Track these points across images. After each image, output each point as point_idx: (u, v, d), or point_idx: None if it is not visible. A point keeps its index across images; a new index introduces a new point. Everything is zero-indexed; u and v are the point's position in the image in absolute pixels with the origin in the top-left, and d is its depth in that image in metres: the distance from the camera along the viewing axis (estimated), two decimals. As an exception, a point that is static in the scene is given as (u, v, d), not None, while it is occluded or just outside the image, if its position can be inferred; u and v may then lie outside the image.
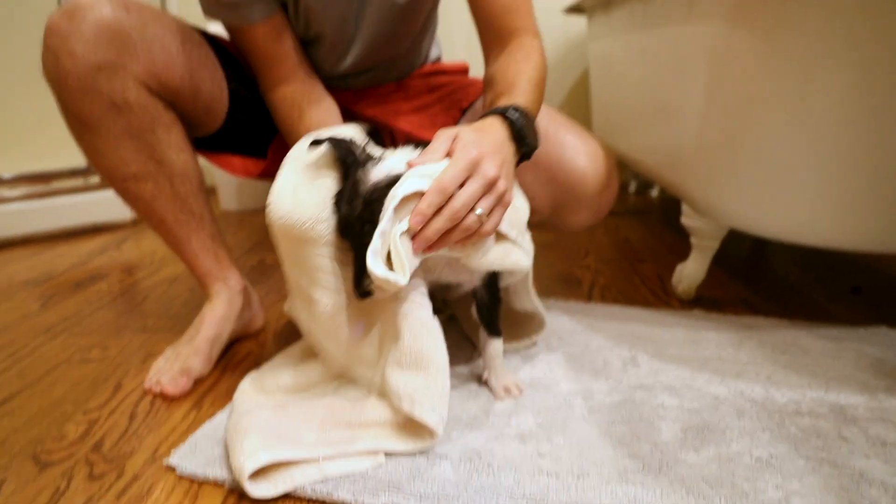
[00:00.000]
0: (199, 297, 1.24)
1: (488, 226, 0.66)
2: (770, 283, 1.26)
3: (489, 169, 0.65)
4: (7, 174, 1.79)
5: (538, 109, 0.85)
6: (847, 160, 0.81)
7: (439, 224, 0.63)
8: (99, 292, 1.31)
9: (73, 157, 1.86)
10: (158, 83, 0.87)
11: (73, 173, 1.87)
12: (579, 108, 2.15)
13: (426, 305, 0.73)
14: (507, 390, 0.81)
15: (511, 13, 0.89)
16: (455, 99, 1.10)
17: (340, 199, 0.69)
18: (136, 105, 0.85)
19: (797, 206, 0.88)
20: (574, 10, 1.84)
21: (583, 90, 2.17)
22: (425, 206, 0.63)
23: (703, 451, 0.68)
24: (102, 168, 0.89)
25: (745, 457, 0.67)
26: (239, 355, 0.98)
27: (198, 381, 0.90)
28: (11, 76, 1.85)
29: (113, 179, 0.90)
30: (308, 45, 0.97)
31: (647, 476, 0.64)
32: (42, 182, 1.82)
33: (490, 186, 0.65)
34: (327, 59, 0.99)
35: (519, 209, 0.79)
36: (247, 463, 0.62)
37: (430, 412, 0.67)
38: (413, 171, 0.65)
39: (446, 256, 0.70)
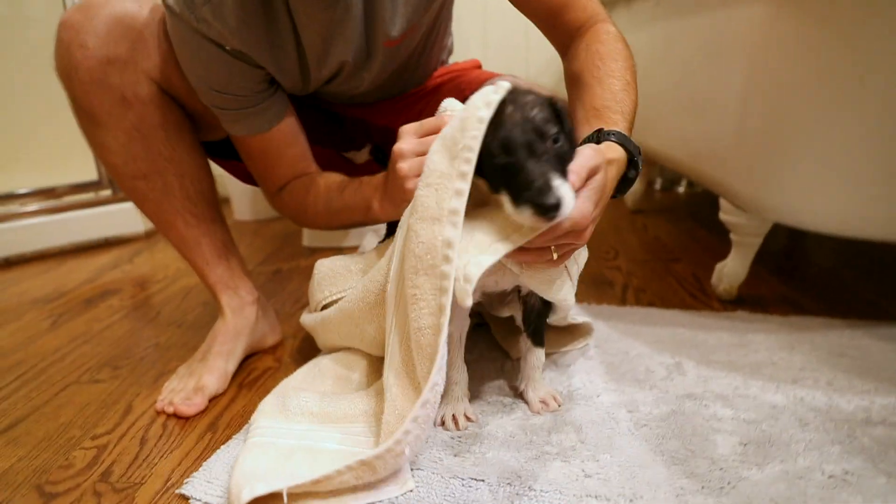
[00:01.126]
0: (213, 310, 1.19)
1: (557, 259, 0.64)
2: (815, 279, 1.19)
3: (587, 234, 0.62)
4: (22, 189, 1.76)
5: (635, 109, 0.78)
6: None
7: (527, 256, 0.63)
8: (110, 308, 1.27)
9: (83, 171, 1.85)
10: (169, 82, 0.84)
11: (84, 187, 1.84)
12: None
13: None
14: (545, 403, 0.75)
15: (571, 7, 0.82)
16: (460, 88, 1.04)
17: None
18: (146, 101, 0.82)
19: (853, 197, 0.81)
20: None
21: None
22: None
23: (767, 468, 0.61)
24: (111, 165, 0.86)
25: (815, 473, 0.60)
26: (256, 372, 0.93)
27: (213, 400, 0.84)
28: (24, 92, 1.82)
29: (122, 177, 0.87)
30: (323, 84, 0.93)
31: (708, 498, 0.58)
32: (53, 196, 1.79)
33: (578, 243, 0.63)
34: (343, 89, 0.94)
35: (584, 253, 0.76)
36: (243, 493, 0.57)
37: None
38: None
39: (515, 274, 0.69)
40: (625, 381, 0.81)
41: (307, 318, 0.92)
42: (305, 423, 0.70)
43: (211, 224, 0.91)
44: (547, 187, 0.55)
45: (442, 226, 0.59)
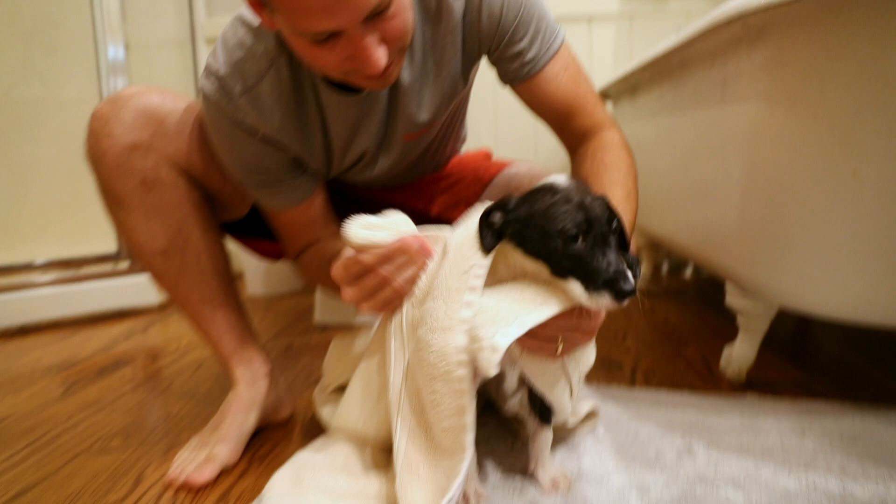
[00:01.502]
0: (224, 383, 1.20)
1: (560, 352, 0.67)
2: (824, 364, 1.19)
3: (593, 334, 0.69)
4: (40, 259, 1.81)
5: (635, 217, 0.84)
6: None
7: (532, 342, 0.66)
8: (122, 378, 1.28)
9: (103, 243, 1.91)
10: (189, 164, 0.89)
11: (103, 259, 1.89)
12: (606, 190, 2.15)
13: None
14: (556, 484, 0.75)
15: (579, 114, 0.90)
16: (478, 176, 1.10)
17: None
18: (166, 183, 0.87)
19: (855, 284, 0.83)
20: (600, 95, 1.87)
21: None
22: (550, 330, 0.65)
23: (782, 555, 0.61)
24: (133, 243, 0.90)
25: (832, 561, 0.59)
26: (267, 446, 0.93)
27: (224, 472, 0.84)
28: (45, 165, 1.92)
29: (142, 254, 0.90)
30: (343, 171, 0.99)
31: (723, 584, 0.57)
32: (72, 267, 1.84)
33: (584, 339, 0.69)
34: (360, 177, 1.01)
35: (589, 358, 0.78)
36: None
37: None
38: None
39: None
40: (635, 462, 0.80)
41: (317, 398, 0.93)
42: (318, 498, 0.70)
43: (225, 299, 0.94)
44: (624, 275, 0.59)
45: (454, 334, 0.63)
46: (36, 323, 1.73)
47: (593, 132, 0.90)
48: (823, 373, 1.14)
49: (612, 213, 0.63)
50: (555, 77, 0.89)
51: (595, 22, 2.18)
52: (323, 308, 1.70)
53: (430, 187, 1.10)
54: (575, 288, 0.61)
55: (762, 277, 0.96)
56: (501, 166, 1.11)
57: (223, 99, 0.82)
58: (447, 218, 1.06)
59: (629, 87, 1.57)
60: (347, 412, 0.82)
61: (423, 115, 0.90)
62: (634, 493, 0.73)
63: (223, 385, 1.19)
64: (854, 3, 0.74)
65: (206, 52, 2.33)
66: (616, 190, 0.80)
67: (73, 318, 1.78)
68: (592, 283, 0.60)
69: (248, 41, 0.82)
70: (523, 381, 0.79)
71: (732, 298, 1.07)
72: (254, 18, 0.82)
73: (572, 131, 0.91)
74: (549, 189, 0.65)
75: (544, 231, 0.62)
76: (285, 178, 0.90)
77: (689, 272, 2.11)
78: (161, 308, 1.93)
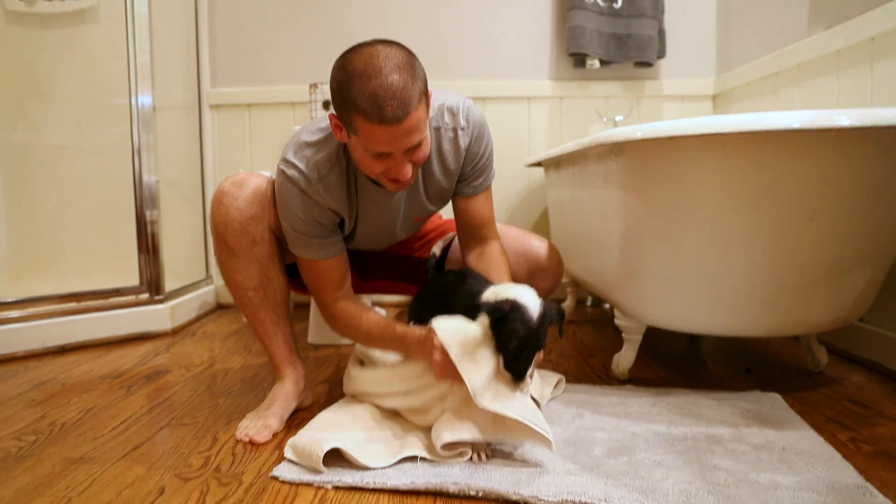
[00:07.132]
0: (249, 385, 1.61)
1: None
2: (683, 366, 1.68)
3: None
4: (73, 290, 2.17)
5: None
6: (701, 275, 1.27)
7: None
8: (168, 382, 1.66)
9: (128, 277, 2.28)
10: (278, 226, 1.30)
11: (127, 290, 2.25)
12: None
13: None
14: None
15: (485, 227, 1.37)
16: (443, 230, 1.57)
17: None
18: (266, 240, 1.29)
19: (683, 307, 1.33)
20: (535, 164, 2.38)
21: (544, 223, 2.68)
22: None
23: (620, 459, 1.07)
24: (234, 281, 1.30)
25: (645, 461, 1.06)
26: (298, 419, 1.34)
27: (274, 435, 1.25)
28: (91, 213, 2.28)
29: (238, 289, 1.31)
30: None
31: (584, 472, 1.02)
32: (102, 297, 2.20)
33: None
34: (375, 240, 1.43)
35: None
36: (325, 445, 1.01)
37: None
38: None
39: None
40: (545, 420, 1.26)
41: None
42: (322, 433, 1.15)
43: (285, 320, 1.36)
44: (524, 374, 1.04)
45: None
46: (73, 343, 2.08)
47: (488, 240, 1.37)
48: (682, 372, 1.62)
49: (547, 325, 1.06)
50: (483, 200, 1.36)
51: (533, 101, 2.70)
52: (315, 332, 2.12)
53: (411, 243, 1.56)
54: (501, 361, 1.05)
55: (633, 305, 1.45)
56: (452, 227, 1.57)
57: (305, 182, 1.20)
58: (419, 256, 1.56)
59: (555, 163, 2.08)
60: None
61: (431, 206, 1.36)
62: (542, 436, 1.18)
63: (248, 387, 1.60)
64: (661, 143, 1.24)
65: (211, 117, 2.75)
66: (507, 271, 1.31)
67: (102, 339, 2.14)
68: (510, 368, 1.04)
69: (317, 150, 1.21)
70: None
71: (618, 319, 1.55)
72: (314, 138, 1.22)
73: (475, 235, 1.38)
74: (522, 309, 1.05)
75: (508, 334, 1.04)
76: (331, 234, 1.27)
77: (608, 305, 2.61)
78: (174, 332, 2.30)
